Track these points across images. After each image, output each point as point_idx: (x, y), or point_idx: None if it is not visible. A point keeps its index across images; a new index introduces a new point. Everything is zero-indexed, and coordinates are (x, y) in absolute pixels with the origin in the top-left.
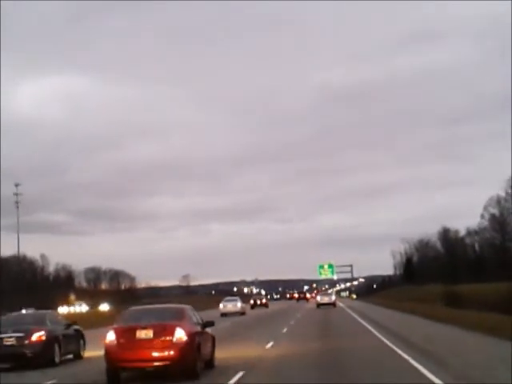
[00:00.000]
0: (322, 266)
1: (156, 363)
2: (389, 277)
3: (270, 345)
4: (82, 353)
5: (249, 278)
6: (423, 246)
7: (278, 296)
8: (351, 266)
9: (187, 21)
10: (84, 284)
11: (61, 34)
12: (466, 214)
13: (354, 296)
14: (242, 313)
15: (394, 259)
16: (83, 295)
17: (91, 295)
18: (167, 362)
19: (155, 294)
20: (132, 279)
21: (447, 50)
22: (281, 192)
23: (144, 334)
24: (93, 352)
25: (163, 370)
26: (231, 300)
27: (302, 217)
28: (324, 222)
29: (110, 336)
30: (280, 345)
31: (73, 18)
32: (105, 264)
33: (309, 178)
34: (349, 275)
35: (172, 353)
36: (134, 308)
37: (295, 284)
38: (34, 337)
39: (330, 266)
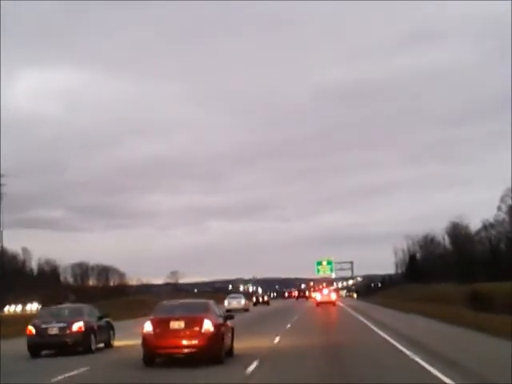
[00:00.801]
0: (320, 263)
1: (186, 350)
2: (389, 275)
3: (277, 339)
4: (112, 342)
5: (246, 277)
6: (428, 243)
7: (275, 294)
8: (351, 262)
9: (188, 19)
10: (70, 280)
11: (59, 29)
12: (467, 214)
13: (355, 295)
14: (245, 309)
15: (396, 257)
16: (70, 291)
17: (76, 291)
18: (196, 350)
19: (147, 291)
20: (121, 275)
21: (447, 49)
22: (280, 191)
23: (177, 324)
24: (120, 342)
25: (192, 356)
26: (236, 297)
27: (300, 216)
28: (322, 220)
29: (148, 326)
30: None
31: (72, 13)
32: (98, 260)
33: (308, 177)
34: (348, 273)
35: (200, 341)
36: (166, 302)
37: (292, 283)
38: (75, 327)
39: (329, 262)
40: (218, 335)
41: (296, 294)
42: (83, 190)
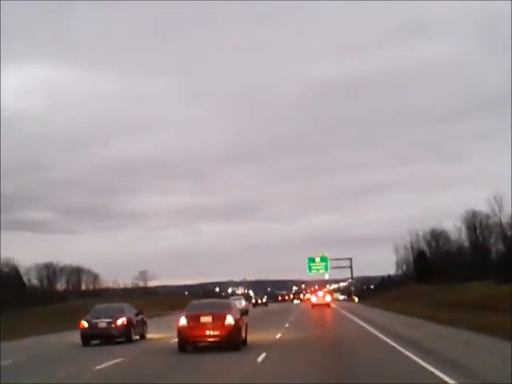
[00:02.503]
0: (312, 260)
1: (212, 339)
2: (389, 276)
3: (280, 333)
4: (145, 335)
5: (237, 279)
6: (437, 238)
7: (266, 297)
8: (350, 259)
9: (176, 16)
10: (35, 282)
11: (44, 26)
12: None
13: (356, 299)
14: (246, 310)
15: (397, 255)
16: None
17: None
18: (219, 339)
19: (126, 294)
20: (95, 277)
21: (445, 46)
22: (271, 191)
23: (206, 319)
24: (150, 335)
25: (216, 344)
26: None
27: (292, 217)
28: (314, 222)
29: (183, 320)
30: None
31: (57, 10)
32: (78, 262)
33: (299, 177)
34: (344, 272)
35: (223, 332)
36: (196, 301)
37: (284, 285)
38: (119, 322)
39: (324, 258)
40: (237, 327)
41: (291, 296)
42: (67, 190)
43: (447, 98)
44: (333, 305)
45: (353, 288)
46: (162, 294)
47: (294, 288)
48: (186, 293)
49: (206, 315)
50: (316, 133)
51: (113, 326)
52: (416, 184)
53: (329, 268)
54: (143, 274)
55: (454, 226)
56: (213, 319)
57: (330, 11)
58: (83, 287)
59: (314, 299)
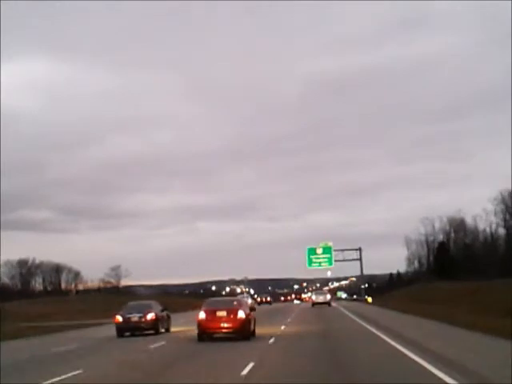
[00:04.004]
0: (313, 251)
1: (225, 330)
2: (398, 273)
3: (284, 326)
4: (170, 328)
5: (238, 277)
6: (456, 227)
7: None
8: (359, 249)
9: (174, 13)
10: (6, 280)
11: (44, 23)
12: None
13: (370, 299)
14: (252, 307)
15: (409, 250)
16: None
17: None
18: (232, 330)
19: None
20: (76, 275)
21: (445, 42)
22: (272, 189)
23: (221, 313)
24: (174, 328)
25: (230, 335)
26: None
27: (293, 215)
28: (315, 220)
29: (202, 314)
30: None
31: (60, 6)
32: (64, 261)
33: (300, 175)
34: (348, 268)
35: (235, 325)
36: (213, 299)
37: (285, 283)
38: (149, 316)
39: (327, 249)
40: (247, 321)
41: (293, 296)
42: (65, 189)
43: (446, 95)
44: (334, 304)
45: (363, 286)
46: (137, 293)
47: (296, 286)
48: (187, 291)
49: (221, 310)
50: (316, 131)
51: (143, 320)
52: (419, 182)
53: (333, 261)
54: (115, 270)
55: (484, 210)
56: (227, 313)
57: (329, 9)
58: (63, 286)
59: (314, 297)
